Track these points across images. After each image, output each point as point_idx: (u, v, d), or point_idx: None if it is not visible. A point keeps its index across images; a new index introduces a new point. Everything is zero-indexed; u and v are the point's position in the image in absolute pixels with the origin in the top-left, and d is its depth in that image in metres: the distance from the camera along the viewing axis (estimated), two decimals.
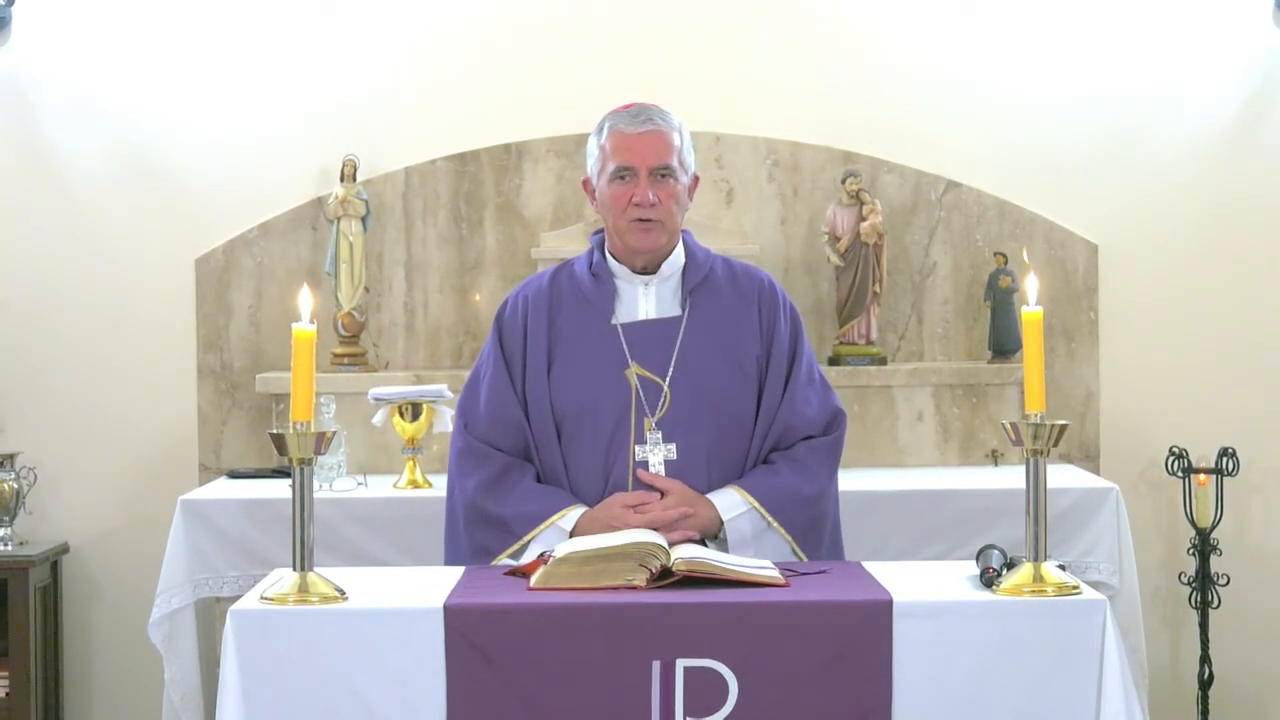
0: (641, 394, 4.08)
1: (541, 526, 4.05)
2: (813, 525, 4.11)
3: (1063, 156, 5.75)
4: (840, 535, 4.23)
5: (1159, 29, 5.74)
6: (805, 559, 4.06)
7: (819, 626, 3.52)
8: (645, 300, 4.14)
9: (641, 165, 4.05)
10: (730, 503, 4.07)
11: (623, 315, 4.13)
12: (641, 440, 4.07)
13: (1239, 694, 5.67)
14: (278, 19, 5.75)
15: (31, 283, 5.74)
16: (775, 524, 4.05)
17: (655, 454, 4.07)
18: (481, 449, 4.14)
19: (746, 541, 4.05)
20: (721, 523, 4.05)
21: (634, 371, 4.09)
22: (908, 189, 5.71)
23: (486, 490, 4.11)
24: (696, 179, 4.16)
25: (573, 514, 4.04)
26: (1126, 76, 5.75)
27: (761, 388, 4.11)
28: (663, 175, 4.05)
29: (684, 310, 4.12)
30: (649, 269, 4.13)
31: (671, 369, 4.08)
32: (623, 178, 4.05)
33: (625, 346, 4.10)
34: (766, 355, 4.11)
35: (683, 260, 4.14)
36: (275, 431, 3.61)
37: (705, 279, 4.14)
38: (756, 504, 4.05)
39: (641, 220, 4.05)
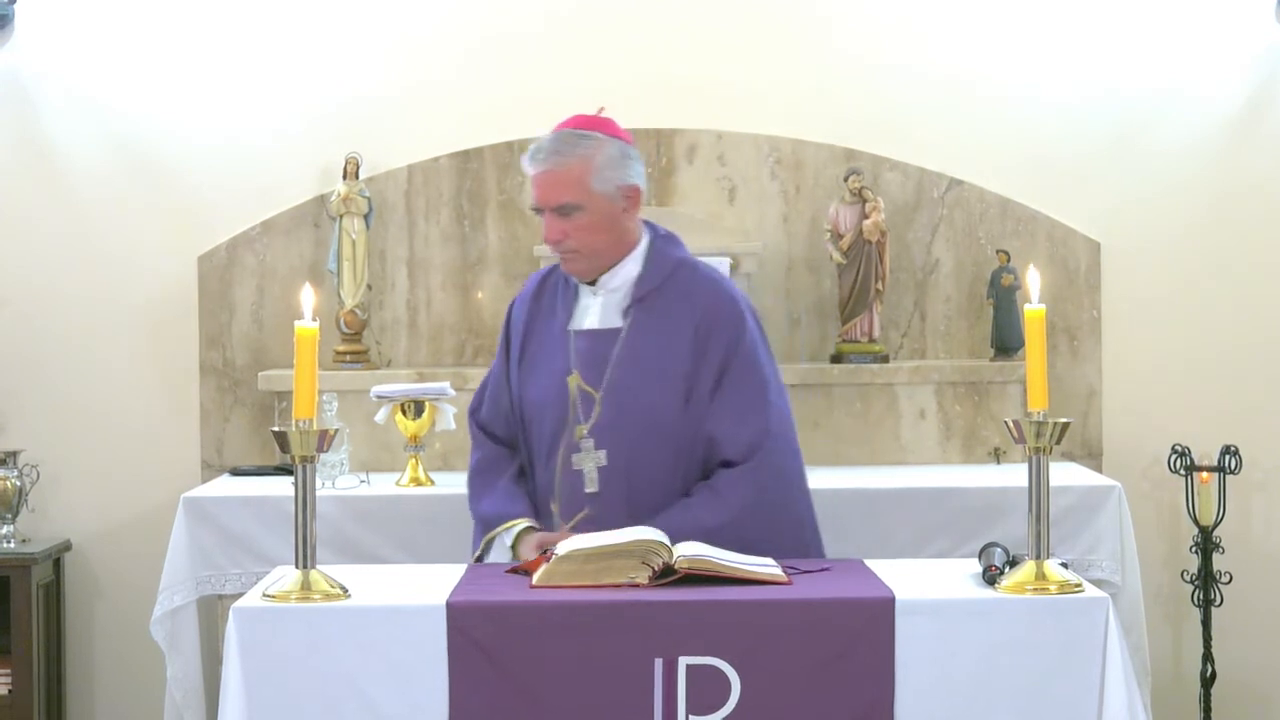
0: (578, 402, 4.14)
1: (490, 534, 4.19)
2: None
3: (1065, 154, 5.75)
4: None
5: (1161, 27, 5.74)
6: None
7: (821, 624, 3.52)
8: (593, 310, 4.21)
9: (544, 205, 4.13)
10: None
11: (576, 323, 4.21)
12: (576, 448, 4.13)
13: (1242, 692, 5.67)
14: (280, 16, 5.75)
15: (34, 280, 5.74)
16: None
17: (587, 461, 4.13)
18: (478, 434, 4.35)
19: None
20: None
21: (573, 380, 4.16)
22: (910, 186, 5.71)
23: (474, 476, 4.31)
24: (633, 189, 4.16)
25: (515, 529, 4.14)
26: (1129, 74, 5.74)
27: (689, 400, 4.10)
28: (566, 213, 4.11)
29: (625, 322, 4.16)
30: (593, 281, 4.19)
31: (605, 379, 4.13)
32: (539, 212, 4.16)
33: (571, 354, 4.18)
34: (696, 370, 4.10)
35: (637, 271, 4.18)
36: (278, 429, 3.61)
37: (654, 291, 4.16)
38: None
39: (561, 253, 4.16)
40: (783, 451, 4.14)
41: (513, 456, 4.28)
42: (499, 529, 4.15)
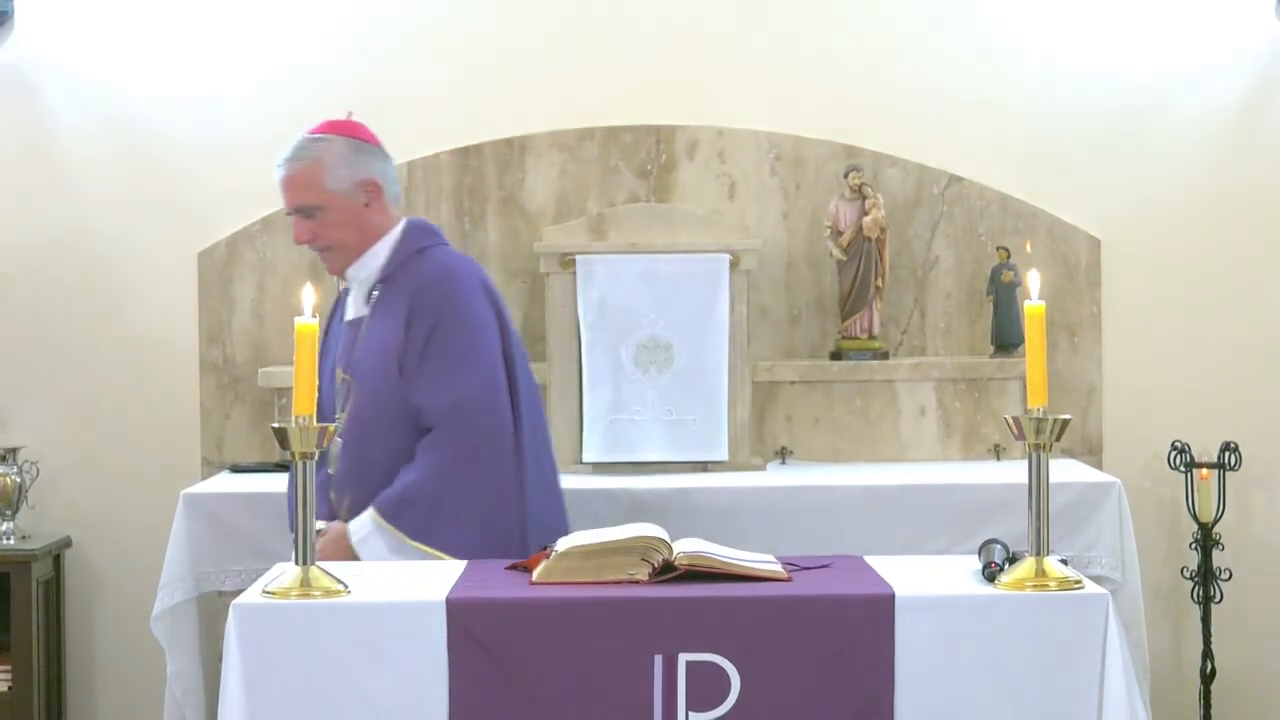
0: (341, 390, 4.37)
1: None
2: (433, 513, 4.19)
3: (1065, 151, 5.75)
4: (501, 519, 4.25)
5: (1161, 23, 5.74)
6: (435, 550, 4.16)
7: (821, 621, 3.52)
8: (350, 302, 4.47)
9: (289, 208, 4.39)
10: (361, 528, 4.24)
11: (345, 315, 4.48)
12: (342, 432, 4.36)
13: (1241, 688, 5.67)
14: (281, 12, 5.75)
15: (34, 276, 5.74)
16: (396, 531, 4.18)
17: (333, 448, 4.35)
18: None
19: (386, 558, 4.18)
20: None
21: (338, 371, 4.39)
22: (910, 183, 5.71)
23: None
24: (370, 183, 4.37)
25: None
26: (1129, 70, 5.74)
27: (403, 376, 4.28)
28: (309, 214, 4.36)
29: (367, 309, 4.37)
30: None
31: (350, 365, 4.36)
32: (290, 215, 4.39)
33: (336, 346, 4.44)
34: (406, 345, 4.27)
35: (381, 261, 4.37)
36: (278, 425, 3.61)
37: (389, 278, 4.34)
38: (379, 519, 4.20)
39: (315, 251, 4.42)
40: (482, 418, 4.24)
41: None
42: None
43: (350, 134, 4.41)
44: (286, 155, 4.39)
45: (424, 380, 4.24)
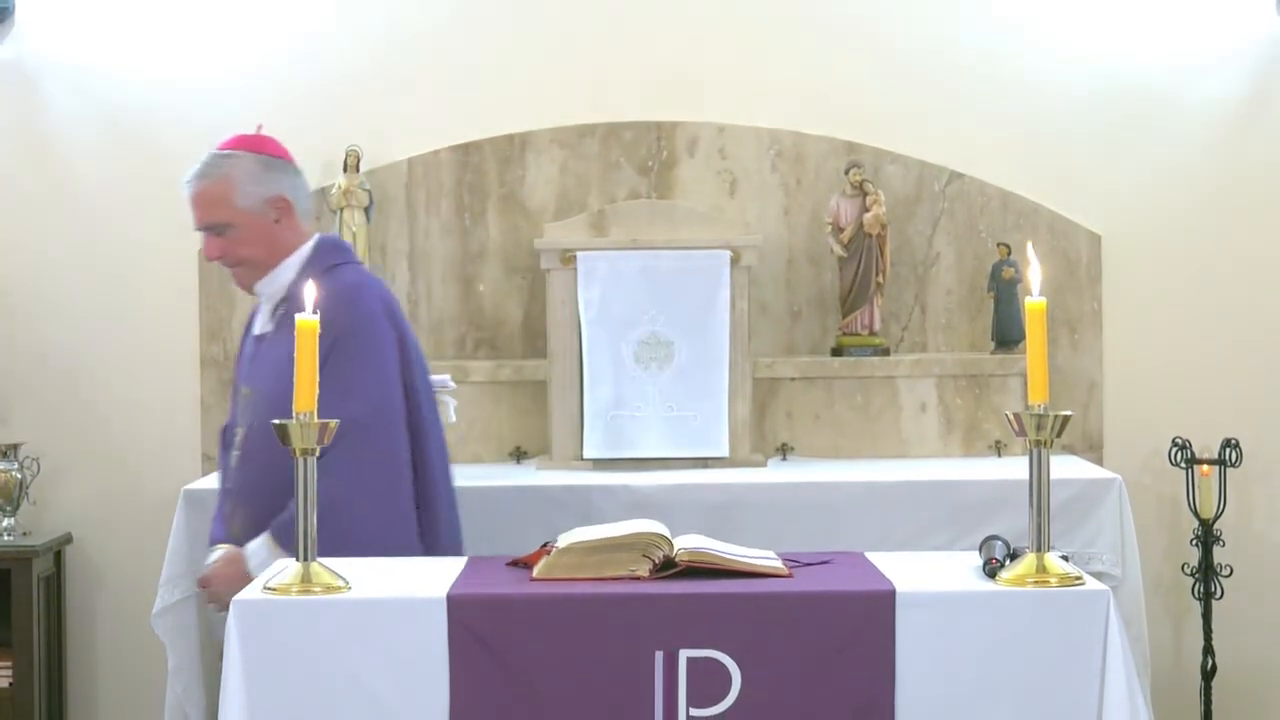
0: (244, 405, 4.36)
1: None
2: (327, 537, 3.99)
3: (1066, 147, 5.75)
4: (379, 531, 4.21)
5: (1161, 19, 5.73)
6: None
7: (822, 617, 3.52)
8: (258, 318, 4.44)
9: (199, 226, 4.35)
10: (257, 553, 4.21)
11: (254, 331, 4.45)
12: (232, 446, 4.35)
13: (1242, 685, 5.67)
14: (283, 9, 5.75)
15: (34, 272, 5.74)
16: (286, 554, 4.09)
17: (231, 460, 4.35)
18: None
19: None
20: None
21: (243, 387, 4.39)
22: (911, 179, 5.71)
23: None
24: (280, 199, 4.33)
25: (215, 552, 4.37)
26: (1129, 66, 5.74)
27: None
28: (219, 231, 4.32)
29: (273, 325, 4.35)
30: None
31: (255, 381, 4.34)
32: (200, 231, 4.39)
33: (245, 361, 4.44)
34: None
35: (290, 277, 4.33)
36: (278, 422, 3.61)
37: (294, 297, 4.24)
38: (274, 544, 4.17)
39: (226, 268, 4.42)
40: (373, 439, 4.20)
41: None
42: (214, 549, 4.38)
43: (260, 150, 4.37)
44: (195, 171, 4.32)
45: (320, 402, 4.20)
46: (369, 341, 4.26)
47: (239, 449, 4.33)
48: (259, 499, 4.23)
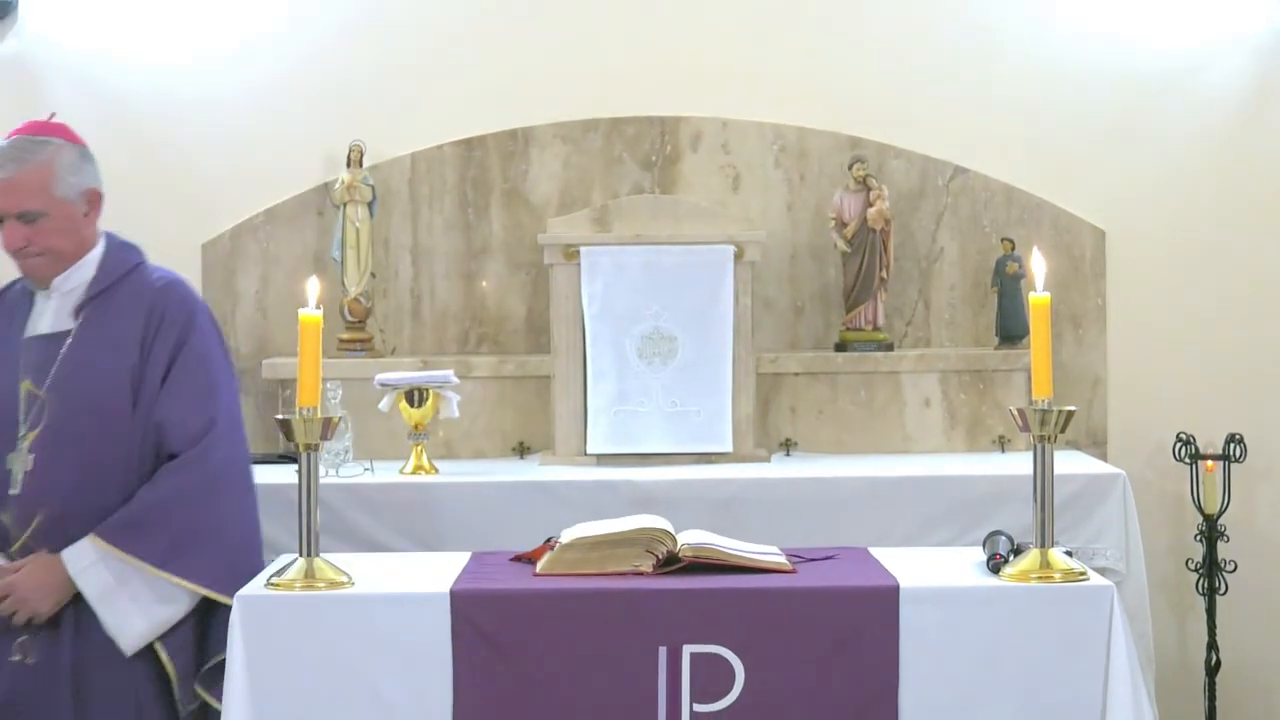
0: (26, 406, 4.16)
1: None
2: (179, 540, 4.06)
3: (1070, 142, 5.74)
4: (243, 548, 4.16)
5: (1166, 13, 5.72)
6: (184, 581, 4.03)
7: (825, 612, 3.52)
8: (47, 314, 4.25)
9: (5, 213, 4.18)
10: (81, 557, 4.06)
11: (31, 329, 4.25)
12: (13, 448, 4.14)
13: (1246, 680, 5.66)
14: (286, 5, 5.74)
15: None
16: (132, 559, 4.02)
17: (16, 463, 4.14)
18: None
19: (113, 589, 4.05)
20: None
21: (25, 385, 4.19)
22: (915, 174, 5.70)
23: None
24: (93, 192, 4.26)
25: None
26: (1133, 61, 5.73)
27: (138, 395, 4.14)
28: (29, 219, 4.17)
29: (76, 323, 4.21)
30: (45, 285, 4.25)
31: (48, 381, 4.16)
32: (2, 220, 4.20)
33: (21, 360, 4.21)
34: (144, 365, 4.15)
35: (91, 274, 4.23)
36: (282, 417, 3.61)
37: (106, 291, 4.21)
38: (107, 546, 4.03)
39: (23, 259, 4.22)
40: (230, 444, 4.18)
41: None
42: None
43: (73, 139, 4.30)
44: (10, 155, 4.17)
45: (172, 403, 4.14)
46: (212, 347, 4.25)
47: (31, 451, 4.12)
48: (69, 503, 4.07)
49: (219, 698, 3.74)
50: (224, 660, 3.63)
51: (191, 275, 5.67)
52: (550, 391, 5.35)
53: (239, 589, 3.71)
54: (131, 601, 4.01)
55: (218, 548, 4.07)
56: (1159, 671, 5.25)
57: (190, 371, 4.15)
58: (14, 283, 4.36)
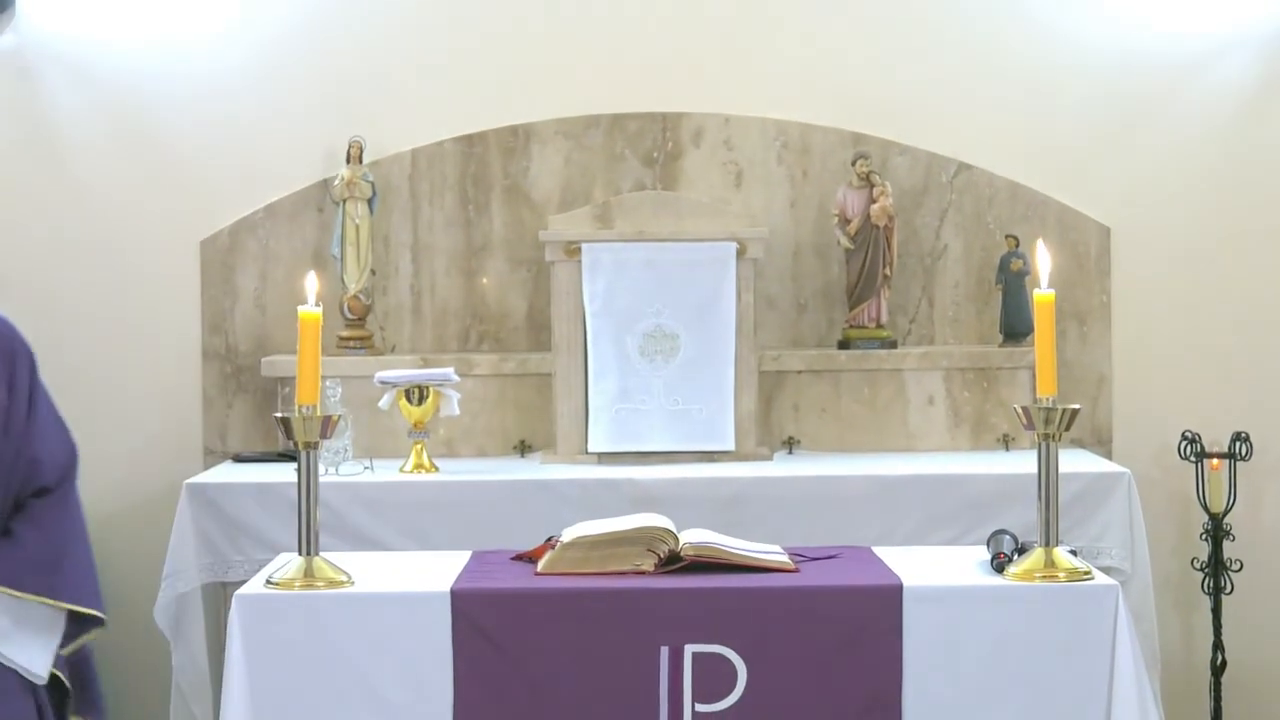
0: None
1: None
2: (64, 570, 4.22)
3: (1075, 138, 5.72)
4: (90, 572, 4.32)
5: (1172, 9, 5.71)
6: (64, 604, 4.20)
7: (829, 612, 3.50)
8: None
9: None
10: None
11: None
12: None
13: (1252, 680, 5.65)
14: (285, 0, 5.73)
15: (35, 264, 5.72)
16: (27, 596, 4.17)
17: None
18: None
19: (8, 630, 4.17)
20: None
21: None
22: (918, 171, 5.69)
23: None
24: None
25: None
26: (1139, 56, 5.71)
27: (8, 431, 4.21)
28: None
29: None
30: None
31: None
32: None
33: None
34: (11, 399, 4.22)
35: None
36: (281, 415, 3.60)
37: None
38: (8, 590, 4.15)
39: None
40: (76, 470, 4.33)
41: None
42: None
43: None
44: None
45: (42, 435, 4.24)
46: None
47: None
48: None
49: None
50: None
51: (189, 272, 5.69)
52: (551, 389, 5.33)
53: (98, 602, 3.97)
54: (35, 636, 4.22)
55: (88, 568, 4.29)
56: (1164, 671, 5.24)
57: (45, 410, 4.26)
58: None
